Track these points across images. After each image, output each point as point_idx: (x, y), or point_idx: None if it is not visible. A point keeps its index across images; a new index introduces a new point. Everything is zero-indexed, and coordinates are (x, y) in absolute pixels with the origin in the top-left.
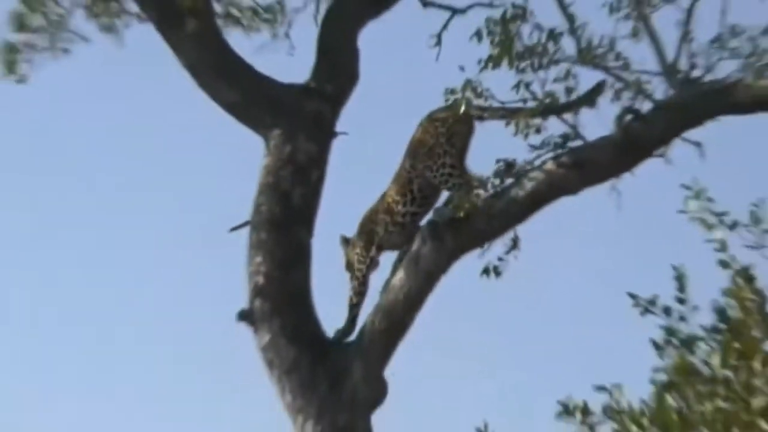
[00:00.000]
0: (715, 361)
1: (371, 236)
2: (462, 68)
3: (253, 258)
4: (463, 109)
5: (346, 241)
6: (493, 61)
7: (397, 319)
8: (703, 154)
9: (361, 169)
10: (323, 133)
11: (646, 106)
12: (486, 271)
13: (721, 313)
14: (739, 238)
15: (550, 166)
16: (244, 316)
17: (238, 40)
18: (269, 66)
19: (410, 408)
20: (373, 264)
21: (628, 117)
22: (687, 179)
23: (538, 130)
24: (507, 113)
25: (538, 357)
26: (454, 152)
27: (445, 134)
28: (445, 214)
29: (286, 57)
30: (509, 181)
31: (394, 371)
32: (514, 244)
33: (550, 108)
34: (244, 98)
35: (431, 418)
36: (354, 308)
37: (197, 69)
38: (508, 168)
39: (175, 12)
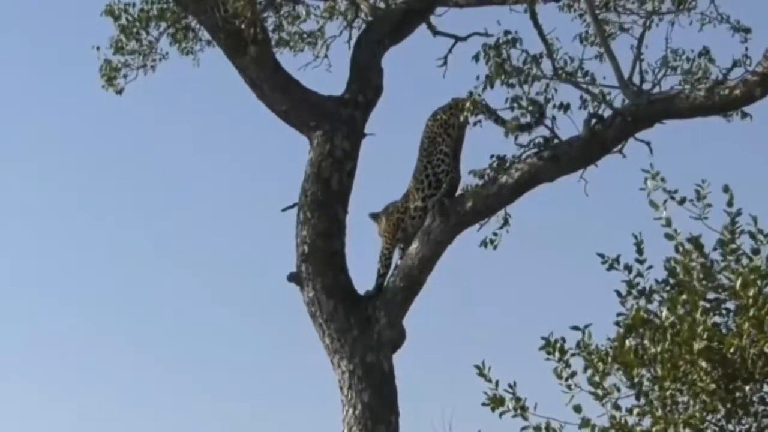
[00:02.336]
0: (665, 311)
1: (398, 224)
2: (472, 91)
3: (300, 231)
4: (468, 104)
5: (375, 216)
6: (489, 81)
7: (413, 279)
8: (652, 150)
9: (384, 161)
10: (355, 134)
11: (607, 113)
12: (484, 243)
13: (670, 271)
14: (687, 211)
15: (532, 159)
16: (293, 277)
17: (287, 60)
18: (310, 79)
19: (424, 349)
20: (397, 244)
21: (593, 121)
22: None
23: (528, 132)
24: (497, 117)
25: (527, 302)
26: (449, 141)
27: (443, 126)
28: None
29: (325, 72)
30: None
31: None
32: (505, 221)
33: (522, 126)
34: (294, 107)
35: (441, 358)
36: (381, 277)
37: (257, 84)
38: (499, 161)
39: (241, 41)
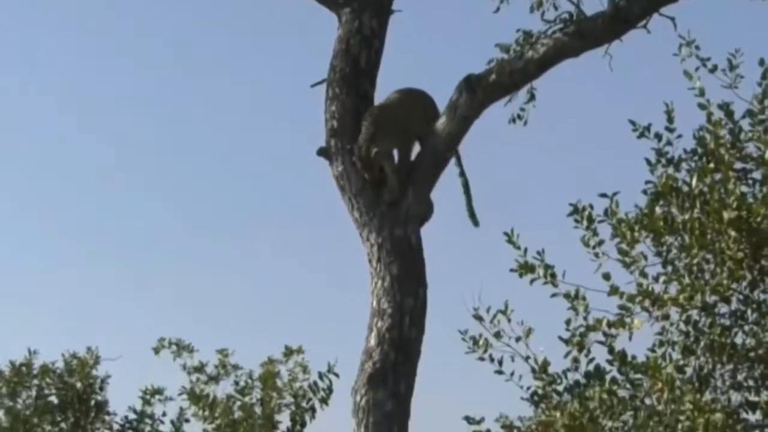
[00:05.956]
0: (695, 179)
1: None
2: None
3: (329, 107)
4: None
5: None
6: None
7: (440, 154)
8: (676, 25)
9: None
10: (383, 12)
11: None
12: (513, 119)
13: (699, 141)
14: (718, 80)
15: (558, 35)
16: (322, 152)
17: None
18: None
19: (452, 222)
20: None
21: None
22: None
23: (555, 8)
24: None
25: (555, 175)
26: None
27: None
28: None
29: None
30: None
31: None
32: (532, 96)
33: None
34: None
35: (470, 231)
36: None
37: None
38: (525, 35)
39: None
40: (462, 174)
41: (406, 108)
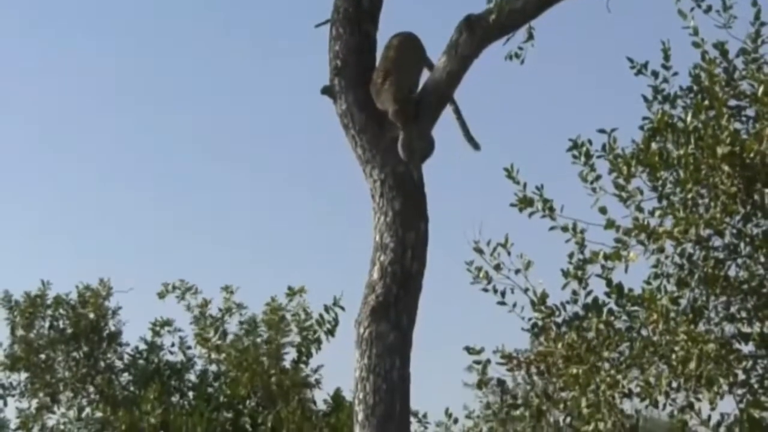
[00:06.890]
0: (689, 116)
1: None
2: None
3: (333, 47)
4: None
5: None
6: None
7: (441, 92)
8: None
9: None
10: None
11: None
12: (510, 56)
13: (695, 78)
14: (712, 20)
15: None
16: (326, 90)
17: None
18: None
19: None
20: None
21: None
22: None
23: None
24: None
25: (558, 107)
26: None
27: None
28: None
29: None
30: None
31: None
32: (530, 35)
33: None
34: None
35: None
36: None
37: None
38: None
39: None
40: (453, 102)
41: (414, 57)
